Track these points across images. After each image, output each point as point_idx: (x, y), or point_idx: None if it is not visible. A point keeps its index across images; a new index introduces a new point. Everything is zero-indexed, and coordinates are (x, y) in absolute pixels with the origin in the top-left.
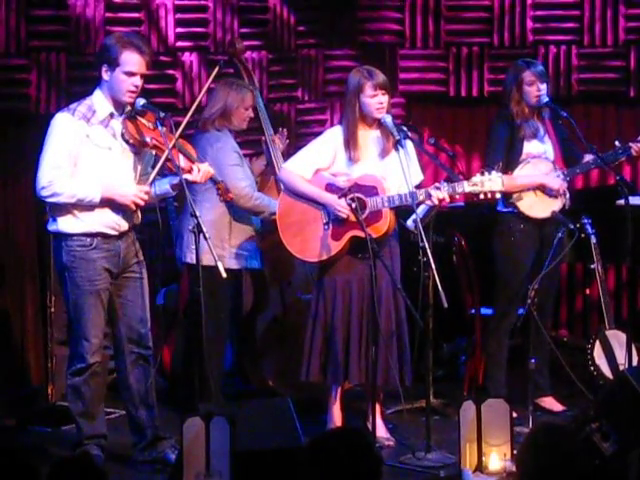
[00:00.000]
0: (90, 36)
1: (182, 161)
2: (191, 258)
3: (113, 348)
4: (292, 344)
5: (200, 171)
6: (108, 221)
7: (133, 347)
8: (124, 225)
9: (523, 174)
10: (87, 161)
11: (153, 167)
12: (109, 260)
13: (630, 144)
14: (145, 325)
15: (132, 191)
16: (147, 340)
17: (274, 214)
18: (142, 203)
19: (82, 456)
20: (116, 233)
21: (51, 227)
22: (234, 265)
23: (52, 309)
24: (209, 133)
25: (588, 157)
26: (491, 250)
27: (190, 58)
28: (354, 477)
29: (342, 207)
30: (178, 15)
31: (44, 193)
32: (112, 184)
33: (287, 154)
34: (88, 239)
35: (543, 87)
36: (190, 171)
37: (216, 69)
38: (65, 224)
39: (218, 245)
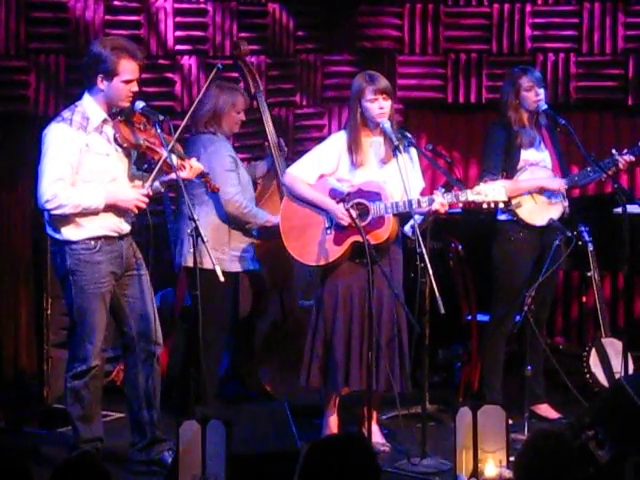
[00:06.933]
0: (89, 38)
1: (174, 160)
2: (192, 262)
3: (123, 347)
4: (291, 350)
5: (192, 168)
6: (110, 225)
7: (144, 344)
8: (126, 228)
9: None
10: (88, 170)
11: (145, 168)
12: (113, 262)
13: (617, 157)
14: (151, 319)
15: (134, 195)
16: (156, 335)
17: (262, 226)
18: (144, 206)
19: (86, 456)
20: (117, 235)
21: (54, 235)
22: (234, 268)
23: (48, 311)
24: (203, 136)
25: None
26: (489, 257)
27: (189, 62)
28: None
29: (343, 214)
30: (177, 18)
31: (49, 206)
32: (114, 190)
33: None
34: (92, 242)
35: (541, 92)
36: (182, 169)
37: (213, 72)
38: (68, 233)
39: (218, 249)
